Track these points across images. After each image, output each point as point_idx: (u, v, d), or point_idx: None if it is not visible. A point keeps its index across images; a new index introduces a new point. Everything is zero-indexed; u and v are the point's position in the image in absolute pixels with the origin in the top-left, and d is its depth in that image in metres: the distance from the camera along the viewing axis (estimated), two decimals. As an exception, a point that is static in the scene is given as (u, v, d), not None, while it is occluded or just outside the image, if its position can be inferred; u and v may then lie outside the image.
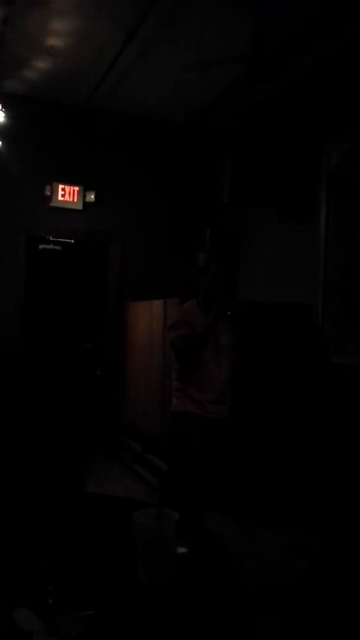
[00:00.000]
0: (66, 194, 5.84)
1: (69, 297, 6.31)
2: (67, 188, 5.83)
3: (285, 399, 4.09)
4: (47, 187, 5.77)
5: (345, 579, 1.43)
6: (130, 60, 4.74)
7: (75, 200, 5.87)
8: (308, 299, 4.50)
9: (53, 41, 4.54)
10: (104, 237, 6.19)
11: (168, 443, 3.58)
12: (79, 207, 5.90)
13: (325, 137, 4.43)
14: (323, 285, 4.37)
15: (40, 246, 6.14)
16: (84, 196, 5.90)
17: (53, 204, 5.80)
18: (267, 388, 4.09)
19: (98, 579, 1.58)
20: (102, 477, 5.16)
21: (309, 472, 3.85)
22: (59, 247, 6.25)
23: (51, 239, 6.18)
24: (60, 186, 5.81)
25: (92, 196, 5.91)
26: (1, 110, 4.63)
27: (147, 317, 5.54)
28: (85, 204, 5.92)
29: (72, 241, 6.26)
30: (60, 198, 5.81)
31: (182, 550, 1.70)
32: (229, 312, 3.35)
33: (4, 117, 4.66)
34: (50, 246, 6.22)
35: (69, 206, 5.86)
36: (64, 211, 5.86)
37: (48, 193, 5.78)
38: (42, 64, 4.96)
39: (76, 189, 5.86)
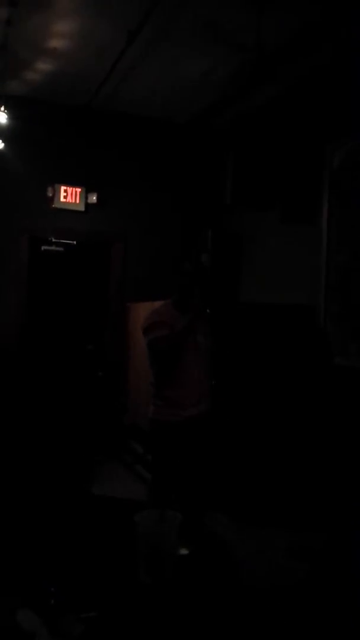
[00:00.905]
0: (68, 195, 5.85)
1: (70, 298, 6.32)
2: (70, 189, 5.84)
3: (287, 400, 4.09)
4: (50, 189, 5.78)
5: (346, 580, 1.44)
6: (131, 61, 4.75)
7: (78, 201, 5.88)
8: (310, 300, 4.49)
9: (55, 43, 4.55)
10: (106, 238, 6.19)
11: (151, 448, 3.49)
12: (81, 208, 5.91)
13: (328, 139, 4.43)
14: (325, 287, 4.36)
15: (43, 247, 6.14)
16: (86, 197, 5.91)
17: (55, 205, 5.81)
18: (269, 389, 4.08)
19: (100, 580, 1.58)
20: (103, 478, 5.16)
21: (310, 473, 3.85)
22: (61, 249, 6.26)
23: (53, 240, 6.18)
24: (63, 187, 5.82)
25: (94, 197, 5.92)
26: (3, 111, 4.63)
27: (149, 318, 5.53)
28: (87, 205, 5.93)
29: (74, 242, 6.26)
30: (62, 199, 5.83)
31: (183, 551, 1.70)
32: (207, 311, 3.29)
33: (6, 118, 4.66)
34: (53, 247, 6.23)
35: (71, 207, 5.87)
36: (66, 212, 5.87)
37: (50, 194, 5.79)
38: (44, 66, 4.97)
39: (78, 190, 5.87)
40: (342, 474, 3.74)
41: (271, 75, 4.69)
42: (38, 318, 6.02)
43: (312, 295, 4.48)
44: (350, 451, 3.79)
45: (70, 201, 5.86)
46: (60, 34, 4.42)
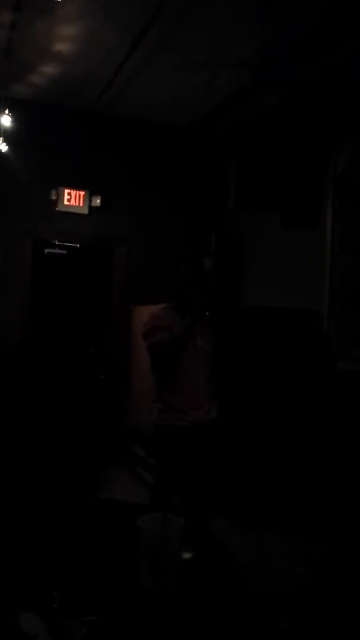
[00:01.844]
0: (72, 199, 5.86)
1: (74, 300, 6.33)
2: (73, 192, 5.86)
3: (290, 404, 4.08)
4: (53, 192, 5.80)
5: (348, 587, 1.44)
6: (136, 65, 4.77)
7: (81, 204, 5.89)
8: (313, 305, 4.49)
9: (60, 46, 4.57)
10: (110, 241, 6.20)
11: (154, 453, 3.47)
12: (85, 211, 5.92)
13: (331, 143, 4.43)
14: (328, 291, 4.36)
15: (46, 250, 6.16)
16: (90, 201, 5.92)
17: (59, 208, 5.82)
18: (272, 393, 4.08)
19: (103, 583, 1.58)
20: (105, 481, 5.16)
21: (314, 478, 3.84)
22: (64, 251, 6.27)
23: (57, 243, 6.19)
24: (67, 191, 5.84)
25: (98, 201, 5.93)
26: (8, 114, 4.65)
27: (152, 322, 5.54)
28: (91, 208, 5.94)
29: (78, 245, 6.27)
30: (66, 202, 5.84)
31: (186, 555, 1.70)
32: (207, 313, 3.28)
33: (11, 121, 4.68)
34: (56, 250, 6.24)
35: (75, 210, 5.88)
36: (70, 215, 5.88)
37: (54, 197, 5.80)
38: (49, 69, 4.99)
39: (82, 193, 5.89)
40: (345, 478, 3.73)
41: (273, 80, 4.69)
42: (41, 321, 6.03)
43: (315, 299, 4.48)
44: (353, 455, 3.79)
45: (74, 204, 5.87)
46: (65, 38, 4.43)
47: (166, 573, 1.55)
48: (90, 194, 5.92)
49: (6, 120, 4.67)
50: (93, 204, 5.93)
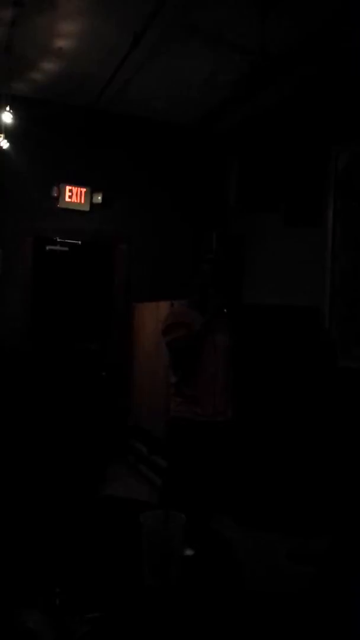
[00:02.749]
0: (73, 195, 5.86)
1: (75, 297, 6.33)
2: (75, 189, 5.85)
3: (291, 402, 4.08)
4: (55, 189, 5.79)
5: (352, 586, 1.44)
6: (137, 63, 4.75)
7: (83, 201, 5.89)
8: (315, 302, 4.49)
9: (61, 43, 4.56)
10: (111, 238, 6.20)
11: (167, 447, 3.53)
12: (86, 208, 5.92)
13: (333, 141, 4.42)
14: (330, 289, 4.36)
15: (48, 247, 6.16)
16: (91, 198, 5.92)
17: (60, 205, 5.82)
18: (272, 391, 4.08)
19: (105, 581, 1.58)
20: (107, 478, 5.17)
21: (315, 476, 3.84)
22: (66, 248, 6.27)
23: (58, 240, 6.19)
24: (68, 187, 5.83)
25: (100, 198, 5.93)
26: (9, 111, 4.64)
27: (154, 319, 5.54)
28: (92, 205, 5.93)
29: (79, 242, 6.27)
30: (67, 199, 5.84)
31: (188, 552, 1.70)
32: (225, 310, 3.31)
33: (12, 118, 4.67)
34: (58, 247, 6.24)
35: (76, 207, 5.88)
36: (71, 212, 5.88)
37: (55, 194, 5.80)
38: (50, 66, 4.98)
39: (83, 190, 5.88)
40: (347, 476, 3.73)
41: (275, 78, 4.69)
42: (43, 317, 6.04)
43: (316, 297, 4.48)
44: (354, 453, 3.79)
45: (76, 201, 5.87)
46: (66, 34, 4.43)
47: (168, 570, 1.55)
48: (92, 191, 5.92)
49: (7, 117, 4.67)
50: (94, 201, 5.93)
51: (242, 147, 5.37)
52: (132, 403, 5.98)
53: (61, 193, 5.81)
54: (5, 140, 4.86)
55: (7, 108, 4.64)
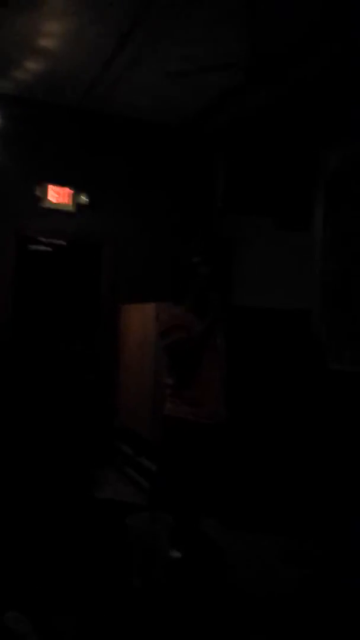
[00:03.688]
0: (58, 196, 5.82)
1: (60, 299, 6.28)
2: (60, 190, 5.81)
3: (280, 404, 4.08)
4: (39, 189, 5.75)
5: (343, 587, 1.43)
6: (123, 63, 4.73)
7: (68, 202, 5.85)
8: (305, 305, 4.49)
9: (46, 43, 4.53)
10: (97, 239, 6.16)
11: (159, 447, 3.53)
12: (71, 209, 5.88)
13: (323, 144, 4.43)
14: (320, 293, 4.36)
15: (31, 247, 6.10)
16: (77, 198, 5.88)
17: (45, 205, 5.77)
18: (262, 393, 4.08)
19: (93, 582, 1.57)
20: (94, 480, 5.13)
21: (305, 478, 3.84)
22: (50, 249, 6.22)
23: (43, 240, 6.14)
24: (53, 187, 5.79)
25: (85, 198, 5.89)
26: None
27: (140, 320, 5.52)
28: (77, 206, 5.90)
29: (64, 243, 6.23)
30: (52, 199, 5.79)
31: (176, 554, 1.69)
32: (225, 314, 3.33)
33: (-3, 117, 4.65)
34: (42, 247, 6.19)
35: (61, 208, 5.84)
36: (56, 213, 5.83)
37: (40, 194, 5.75)
38: (35, 65, 4.94)
39: (69, 190, 5.85)
40: (336, 477, 3.74)
41: (265, 80, 4.69)
42: (26, 318, 5.97)
43: (306, 300, 4.48)
44: (343, 453, 3.79)
45: (60, 201, 5.83)
46: (52, 34, 4.40)
47: (155, 572, 1.53)
48: (77, 192, 5.88)
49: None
50: (80, 202, 5.89)
51: (230, 148, 5.36)
52: (119, 404, 5.96)
53: (46, 193, 5.76)
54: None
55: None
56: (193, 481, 3.07)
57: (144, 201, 6.20)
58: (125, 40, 4.30)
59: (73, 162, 5.91)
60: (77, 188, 5.87)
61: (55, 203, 5.80)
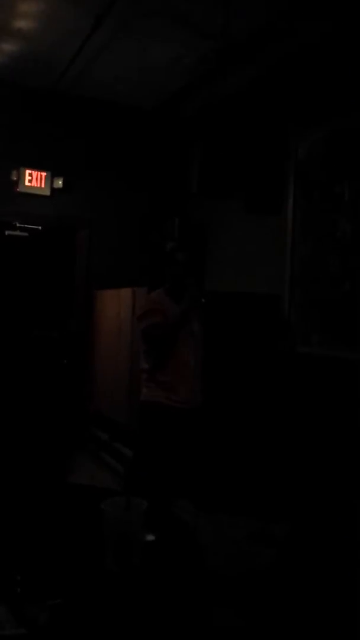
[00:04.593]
0: (33, 180, 5.75)
1: (35, 284, 6.23)
2: (35, 173, 5.75)
3: (251, 387, 4.14)
4: (14, 172, 5.67)
5: (312, 566, 1.48)
6: (98, 45, 4.68)
7: (43, 186, 5.78)
8: (275, 289, 4.54)
9: (19, 23, 4.45)
10: (72, 223, 6.12)
11: (135, 431, 3.57)
12: (47, 193, 5.82)
13: (293, 130, 4.46)
14: (290, 277, 4.41)
15: (6, 232, 6.03)
16: (52, 182, 5.82)
17: (20, 189, 5.70)
18: (233, 377, 4.13)
19: (66, 567, 1.59)
20: (68, 465, 5.15)
21: (274, 460, 3.91)
22: (25, 234, 6.16)
23: (18, 225, 6.07)
24: (28, 171, 5.72)
25: (60, 182, 5.83)
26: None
27: (115, 306, 5.52)
28: (53, 190, 5.84)
29: (40, 228, 6.17)
30: (27, 183, 5.72)
31: (150, 537, 1.72)
32: (203, 300, 3.37)
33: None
34: (17, 232, 6.12)
35: (37, 192, 5.77)
36: (31, 197, 5.77)
37: (15, 178, 5.68)
38: (8, 47, 4.85)
39: (44, 174, 5.78)
40: (305, 459, 3.81)
41: (238, 63, 4.68)
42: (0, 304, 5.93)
43: (276, 285, 4.52)
44: (311, 435, 3.87)
45: (36, 185, 5.76)
46: (25, 14, 4.32)
47: (130, 555, 1.56)
48: (52, 175, 5.82)
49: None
50: (55, 186, 5.83)
51: (205, 132, 5.35)
52: (94, 390, 5.96)
53: (20, 177, 5.69)
54: None
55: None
56: (167, 465, 3.11)
57: (119, 185, 6.17)
58: (100, 21, 4.24)
59: (48, 146, 5.84)
60: (53, 172, 5.81)
61: (30, 187, 5.73)
